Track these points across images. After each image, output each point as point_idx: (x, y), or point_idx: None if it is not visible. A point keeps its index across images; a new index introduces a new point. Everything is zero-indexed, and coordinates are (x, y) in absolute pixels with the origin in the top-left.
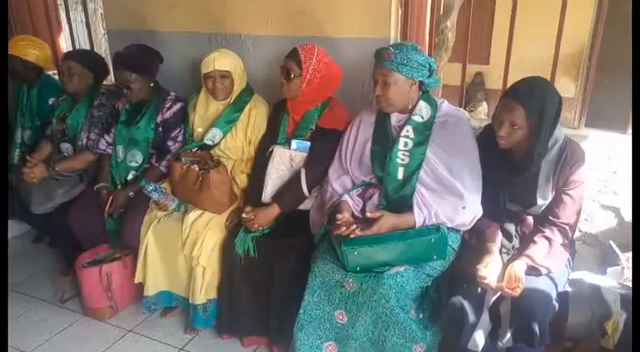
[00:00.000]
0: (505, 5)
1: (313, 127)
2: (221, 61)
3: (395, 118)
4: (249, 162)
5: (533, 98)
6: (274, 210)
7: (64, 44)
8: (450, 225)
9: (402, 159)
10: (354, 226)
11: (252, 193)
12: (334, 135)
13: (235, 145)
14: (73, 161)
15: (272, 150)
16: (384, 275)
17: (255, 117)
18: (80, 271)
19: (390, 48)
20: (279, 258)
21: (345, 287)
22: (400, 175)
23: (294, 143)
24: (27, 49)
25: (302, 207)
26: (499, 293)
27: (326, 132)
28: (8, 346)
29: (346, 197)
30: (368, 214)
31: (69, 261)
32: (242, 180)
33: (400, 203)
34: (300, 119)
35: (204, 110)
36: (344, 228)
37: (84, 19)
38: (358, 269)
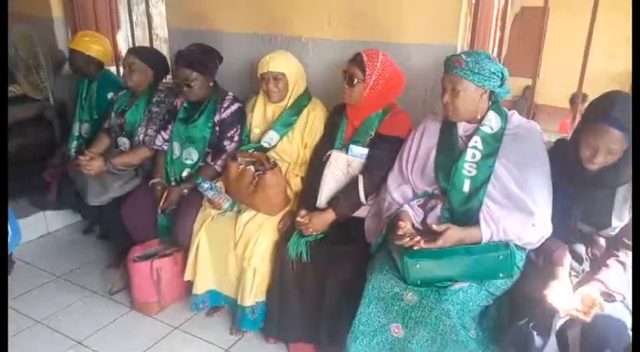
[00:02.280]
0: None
1: (373, 134)
2: (276, 62)
3: (462, 128)
4: (303, 166)
5: (628, 119)
6: (329, 216)
7: (124, 41)
8: (517, 243)
9: (469, 171)
10: (418, 238)
11: (307, 197)
12: (394, 143)
13: (291, 148)
14: (130, 156)
15: (329, 155)
16: (447, 291)
17: (312, 121)
18: (131, 265)
19: (462, 55)
20: (333, 264)
21: (403, 301)
22: (466, 188)
23: (352, 149)
24: (89, 44)
25: (357, 214)
26: (567, 317)
27: (386, 139)
28: (61, 333)
29: (407, 207)
30: (433, 226)
31: (119, 254)
32: (296, 183)
33: (465, 216)
34: (359, 125)
35: (262, 112)
36: (407, 239)
37: (145, 18)
38: (419, 282)
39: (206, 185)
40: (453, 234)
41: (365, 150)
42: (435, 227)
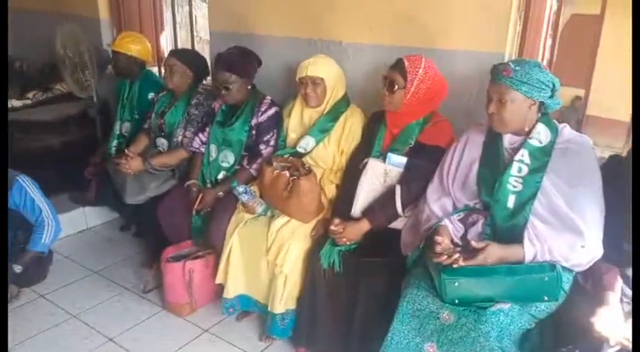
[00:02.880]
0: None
1: (413, 142)
2: (315, 67)
3: (508, 140)
4: (338, 173)
5: None
6: (364, 226)
7: (167, 42)
8: (563, 264)
9: (515, 186)
10: (457, 255)
11: (341, 205)
12: (435, 153)
13: (327, 154)
14: (168, 157)
15: (366, 163)
16: (487, 312)
17: (350, 127)
18: (164, 265)
19: (510, 64)
20: (366, 276)
21: (439, 319)
22: (511, 203)
23: (390, 157)
24: (129, 44)
25: (393, 225)
26: (617, 347)
27: (426, 149)
28: (95, 329)
29: (446, 221)
30: (473, 243)
31: (153, 253)
32: (331, 190)
33: (508, 233)
34: (398, 133)
35: (299, 117)
36: (445, 257)
37: (187, 20)
38: (457, 301)
39: (241, 189)
40: (494, 252)
41: (404, 159)
42: (474, 244)
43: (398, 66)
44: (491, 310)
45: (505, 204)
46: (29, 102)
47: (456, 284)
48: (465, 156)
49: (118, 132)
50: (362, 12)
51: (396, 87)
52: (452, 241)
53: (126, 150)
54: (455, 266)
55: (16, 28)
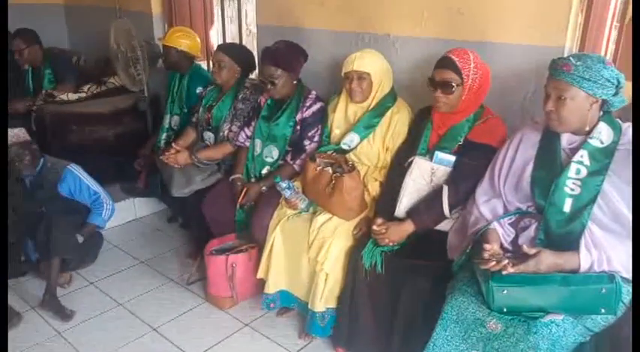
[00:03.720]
0: None
1: (462, 140)
2: (361, 61)
3: (566, 140)
4: (383, 170)
5: None
6: (408, 227)
7: (216, 38)
8: (624, 275)
9: (572, 189)
10: (506, 261)
11: (385, 204)
12: (485, 151)
13: (371, 151)
14: (214, 151)
15: (412, 161)
16: (537, 323)
17: (396, 124)
18: (208, 258)
19: (571, 58)
20: (409, 279)
21: (485, 327)
22: (567, 207)
23: (437, 155)
24: (180, 39)
25: (439, 227)
26: None
27: (476, 147)
28: (140, 318)
29: (495, 224)
30: (524, 248)
31: (198, 245)
32: (374, 188)
33: (563, 240)
34: (446, 130)
35: (344, 112)
36: (493, 263)
37: (236, 14)
38: (505, 310)
39: (284, 184)
40: (547, 259)
41: (452, 158)
42: (525, 249)
43: (448, 64)
44: (543, 321)
45: (561, 208)
46: (84, 95)
47: (505, 291)
48: (519, 155)
49: (167, 126)
50: (411, 4)
51: (454, 85)
52: (501, 246)
53: (173, 144)
54: (504, 272)
55: (73, 23)
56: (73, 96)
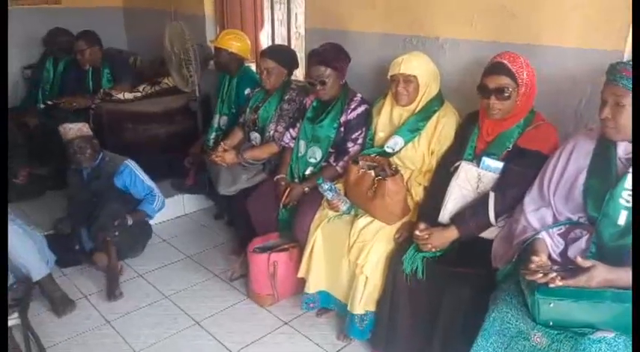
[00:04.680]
0: None
1: (511, 146)
2: (408, 64)
3: (623, 149)
4: (427, 174)
5: None
6: (452, 233)
7: (265, 40)
8: None
9: (628, 201)
10: (554, 274)
11: (428, 209)
12: (535, 158)
13: (416, 155)
14: (259, 151)
15: (458, 166)
16: (586, 339)
17: (442, 128)
18: (250, 255)
19: (630, 63)
20: (451, 286)
21: (529, 341)
22: (622, 220)
23: (484, 161)
24: (230, 41)
25: (484, 234)
26: None
27: (526, 154)
28: (184, 312)
29: (544, 234)
30: (578, 259)
31: (242, 243)
32: (418, 192)
33: (616, 254)
34: (495, 136)
35: (389, 115)
36: (540, 274)
37: (286, 17)
38: (551, 323)
39: (326, 186)
40: (600, 274)
41: (500, 164)
42: (579, 260)
43: (501, 69)
44: (592, 338)
45: (615, 220)
46: (139, 94)
47: (551, 305)
48: (571, 164)
49: (216, 126)
50: (462, 6)
51: (510, 91)
52: (549, 257)
53: (222, 143)
54: (551, 285)
55: (131, 26)
56: (129, 96)
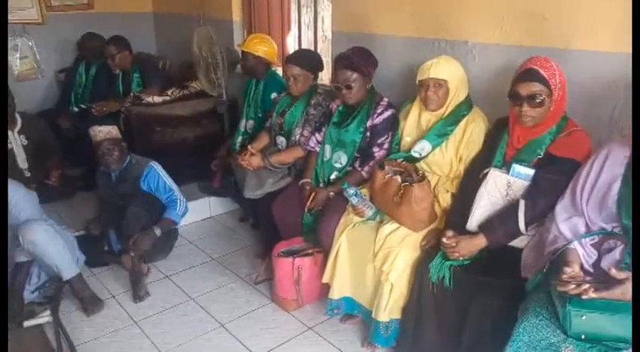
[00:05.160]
0: None
1: (542, 153)
2: (438, 68)
3: None
4: (455, 181)
5: None
6: (480, 242)
7: (292, 43)
8: None
9: None
10: (587, 285)
11: (456, 217)
12: (568, 166)
13: (443, 161)
14: (285, 155)
15: (487, 173)
16: None
17: (471, 133)
18: (275, 259)
19: None
20: (478, 295)
21: None
22: None
23: (514, 168)
24: (257, 46)
25: (513, 243)
26: None
27: (558, 161)
28: (209, 314)
29: (576, 244)
30: (612, 271)
31: (267, 246)
32: (445, 199)
33: None
34: (525, 143)
35: (416, 120)
36: (573, 286)
37: (312, 21)
38: (583, 337)
39: (351, 191)
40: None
41: (531, 172)
42: (613, 272)
43: (534, 75)
44: None
45: None
46: (168, 98)
47: (584, 317)
48: (605, 172)
49: (242, 129)
50: (492, 9)
51: (543, 97)
52: (581, 267)
53: (248, 147)
54: (584, 297)
55: (161, 30)
56: (158, 99)
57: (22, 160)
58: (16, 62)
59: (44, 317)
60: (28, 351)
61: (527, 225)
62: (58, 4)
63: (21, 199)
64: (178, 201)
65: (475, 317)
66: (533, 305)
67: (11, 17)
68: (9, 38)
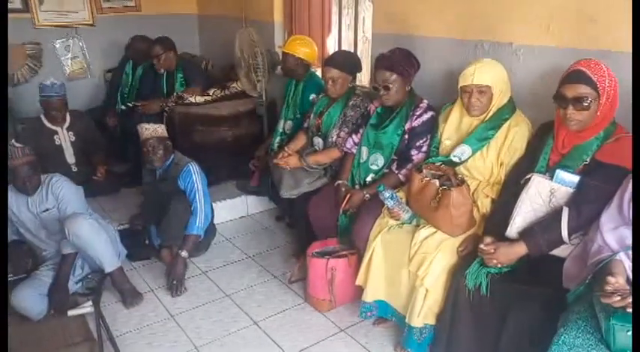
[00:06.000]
0: None
1: (588, 159)
2: (481, 74)
3: None
4: (495, 186)
5: None
6: (520, 249)
7: (332, 44)
8: None
9: None
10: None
11: (495, 223)
12: (615, 173)
13: (484, 165)
14: (322, 155)
15: (529, 178)
16: None
17: (513, 138)
18: (309, 259)
19: None
20: (516, 305)
21: None
22: None
23: (558, 174)
24: (299, 47)
25: (555, 252)
26: None
27: (605, 168)
28: (243, 311)
29: (622, 255)
30: None
31: (302, 246)
32: (485, 204)
33: None
34: (570, 148)
35: (457, 123)
36: (618, 298)
37: (353, 22)
38: None
39: (387, 193)
40: None
41: (575, 178)
42: None
43: (581, 77)
44: None
45: None
46: (210, 98)
47: (629, 332)
48: None
49: (280, 130)
50: (537, 10)
51: (590, 101)
52: (627, 280)
53: (285, 147)
54: (629, 310)
55: (204, 32)
56: (200, 99)
57: (69, 156)
58: (67, 62)
59: (86, 308)
60: (71, 339)
61: (570, 233)
62: (107, 6)
63: (68, 193)
64: (199, 211)
65: (512, 327)
66: (575, 317)
67: (65, 19)
68: (62, 40)
